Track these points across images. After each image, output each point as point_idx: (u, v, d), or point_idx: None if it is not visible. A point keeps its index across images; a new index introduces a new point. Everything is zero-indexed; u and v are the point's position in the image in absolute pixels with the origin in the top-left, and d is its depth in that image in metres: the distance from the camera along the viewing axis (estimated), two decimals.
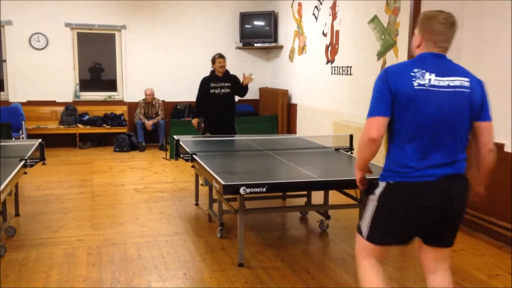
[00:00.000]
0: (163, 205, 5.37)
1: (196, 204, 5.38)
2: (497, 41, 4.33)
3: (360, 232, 2.46)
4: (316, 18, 7.80)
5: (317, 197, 5.00)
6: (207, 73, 6.17)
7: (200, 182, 5.34)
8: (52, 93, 9.17)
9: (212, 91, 6.09)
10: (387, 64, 5.81)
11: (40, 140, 5.00)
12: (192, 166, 4.81)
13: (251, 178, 3.62)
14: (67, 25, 9.15)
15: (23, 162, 4.10)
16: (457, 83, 2.23)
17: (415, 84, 2.18)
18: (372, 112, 2.24)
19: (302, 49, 8.46)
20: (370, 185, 2.46)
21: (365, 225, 2.42)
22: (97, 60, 9.90)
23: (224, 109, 6.18)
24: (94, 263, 3.73)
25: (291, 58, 9.05)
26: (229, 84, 6.14)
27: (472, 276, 3.57)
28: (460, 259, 3.91)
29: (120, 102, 9.68)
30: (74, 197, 5.68)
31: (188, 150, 4.63)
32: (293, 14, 8.83)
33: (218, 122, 6.17)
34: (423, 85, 2.18)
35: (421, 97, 2.18)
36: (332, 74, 7.29)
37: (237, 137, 5.83)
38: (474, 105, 2.26)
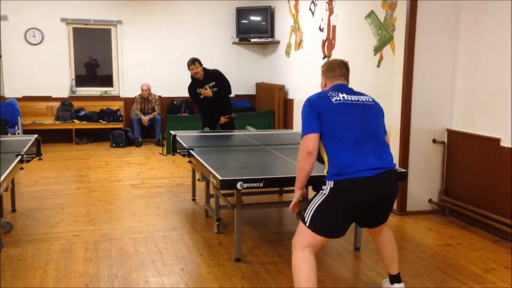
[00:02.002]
0: (160, 200, 5.37)
1: (193, 200, 5.39)
2: (494, 38, 4.33)
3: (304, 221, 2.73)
4: (313, 13, 7.79)
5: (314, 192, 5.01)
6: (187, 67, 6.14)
7: (197, 177, 5.35)
8: (48, 88, 9.15)
9: (201, 96, 6.07)
10: (384, 59, 5.82)
11: (36, 136, 4.98)
12: (189, 162, 4.82)
13: (248, 173, 3.62)
14: (62, 20, 9.12)
15: (19, 157, 4.09)
16: (364, 99, 2.82)
17: (333, 100, 2.74)
18: (305, 131, 2.69)
19: (299, 44, 8.45)
20: (319, 183, 2.77)
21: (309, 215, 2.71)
22: (93, 56, 9.86)
23: (219, 107, 6.14)
24: (91, 258, 3.73)
25: (287, 53, 9.04)
26: (214, 83, 6.08)
27: (468, 270, 3.59)
28: (456, 254, 3.93)
29: (116, 98, 9.66)
30: (71, 193, 5.67)
31: (184, 145, 4.62)
32: (289, 9, 8.82)
33: (216, 121, 6.15)
34: (339, 100, 2.74)
35: (341, 107, 2.71)
36: None
37: (234, 132, 5.82)
38: (380, 116, 2.85)
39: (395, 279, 3.07)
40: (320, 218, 2.66)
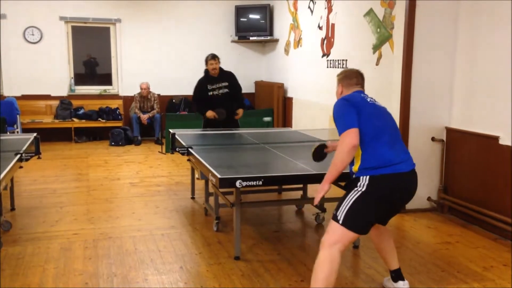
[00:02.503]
0: (159, 199, 5.38)
1: (192, 198, 5.39)
2: (493, 36, 4.33)
3: (337, 220, 2.74)
4: (312, 11, 7.79)
5: (313, 190, 5.00)
6: (203, 67, 6.06)
7: (196, 175, 5.35)
8: (46, 87, 9.13)
9: (210, 93, 5.82)
10: (383, 57, 5.82)
11: (35, 134, 4.98)
12: (188, 160, 4.82)
13: (247, 171, 3.62)
14: (61, 18, 9.10)
15: (18, 156, 4.09)
16: (382, 105, 2.94)
17: (368, 99, 2.86)
18: (348, 125, 2.71)
19: (298, 43, 8.45)
20: (352, 181, 2.80)
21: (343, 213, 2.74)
22: (91, 54, 9.85)
23: (226, 109, 5.88)
24: (91, 257, 3.73)
25: (286, 51, 9.04)
26: (227, 84, 5.89)
27: (467, 268, 3.59)
28: (455, 251, 3.93)
29: (115, 96, 9.65)
30: (70, 191, 5.67)
31: (184, 143, 4.62)
32: (288, 8, 8.81)
33: (221, 123, 5.88)
34: (371, 100, 2.88)
35: (375, 107, 2.85)
36: (327, 67, 7.29)
37: (233, 131, 5.82)
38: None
39: (398, 276, 3.09)
40: (356, 214, 2.69)
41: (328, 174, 2.78)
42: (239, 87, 6.05)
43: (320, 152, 3.47)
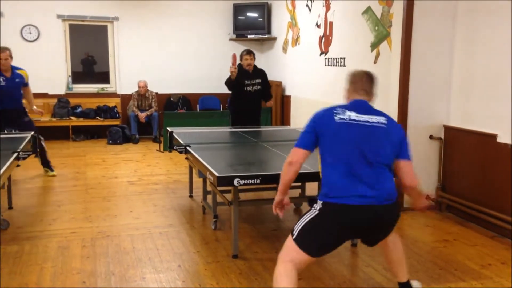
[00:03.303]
0: (157, 197, 5.37)
1: (190, 196, 5.38)
2: (491, 34, 4.33)
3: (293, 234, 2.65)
4: (310, 9, 7.78)
5: (311, 188, 5.01)
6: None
7: (194, 172, 5.34)
8: (44, 85, 9.10)
9: (246, 88, 5.93)
10: (381, 56, 5.81)
11: (32, 133, 4.97)
12: (186, 158, 4.81)
13: (245, 169, 3.62)
14: (59, 16, 9.08)
15: (15, 154, 4.08)
16: (375, 120, 2.64)
17: (336, 118, 2.62)
18: (297, 143, 2.69)
19: (296, 41, 8.44)
20: (312, 199, 2.77)
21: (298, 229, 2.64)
22: (89, 52, 9.83)
23: (255, 105, 6.08)
24: (88, 255, 3.73)
25: (284, 49, 9.03)
26: (260, 81, 6.01)
27: (464, 266, 3.60)
28: (452, 249, 3.94)
29: (113, 94, 9.63)
30: (68, 190, 5.66)
31: (181, 142, 4.62)
32: (286, 6, 8.80)
33: (247, 117, 6.04)
34: (343, 119, 2.61)
35: (343, 128, 2.59)
36: (325, 65, 7.28)
37: (231, 129, 5.81)
38: (392, 140, 2.64)
39: (406, 287, 2.97)
40: (308, 234, 2.59)
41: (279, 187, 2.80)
42: (269, 85, 6.21)
43: None
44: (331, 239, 2.61)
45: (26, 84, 6.17)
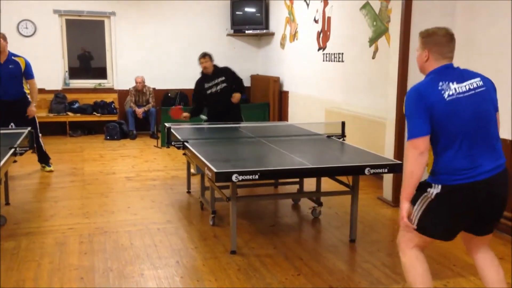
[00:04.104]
0: (155, 193, 5.36)
1: (188, 192, 5.37)
2: (490, 30, 4.32)
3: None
4: (308, 5, 7.75)
5: (309, 184, 5.01)
6: (197, 61, 6.04)
7: (192, 170, 5.32)
8: (41, 80, 8.92)
9: (208, 91, 5.83)
10: (379, 51, 5.80)
11: (29, 128, 4.95)
12: (184, 154, 4.80)
13: (243, 165, 3.61)
14: (55, 11, 9.03)
15: (12, 150, 4.06)
16: (476, 85, 2.45)
17: (446, 96, 2.38)
18: (414, 133, 2.39)
19: (294, 36, 8.42)
20: (422, 185, 2.52)
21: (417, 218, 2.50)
22: (86, 48, 9.79)
23: (227, 104, 5.87)
24: (86, 251, 3.71)
25: (282, 45, 9.01)
26: (223, 78, 5.86)
27: (463, 261, 3.60)
28: (451, 245, 3.93)
29: (110, 90, 9.60)
30: (65, 186, 5.64)
31: (179, 137, 4.60)
32: (284, 1, 8.77)
33: (221, 117, 5.85)
34: (452, 95, 2.39)
35: (454, 106, 2.38)
36: (323, 61, 7.27)
37: (229, 125, 5.80)
38: (492, 99, 2.52)
39: None
40: (429, 222, 2.46)
41: (403, 189, 2.52)
42: (239, 79, 6.04)
43: None
44: (456, 222, 2.47)
45: (29, 76, 5.90)
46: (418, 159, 2.40)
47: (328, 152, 4.37)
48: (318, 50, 7.41)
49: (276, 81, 8.99)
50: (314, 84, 7.58)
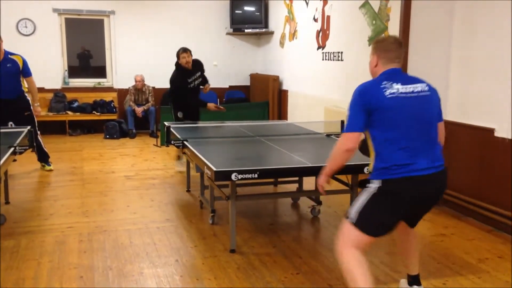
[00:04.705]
0: (154, 192, 5.36)
1: (188, 191, 5.37)
2: (489, 28, 4.32)
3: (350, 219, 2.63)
4: (307, 3, 7.75)
5: (309, 183, 5.01)
6: (176, 55, 6.04)
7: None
8: (40, 79, 8.94)
9: (190, 85, 5.98)
10: None
11: (29, 127, 4.95)
12: (183, 153, 4.80)
13: (243, 164, 3.61)
14: (54, 10, 9.02)
15: (12, 149, 4.06)
16: (420, 89, 2.60)
17: (387, 93, 2.51)
18: (349, 128, 2.55)
19: (293, 35, 8.42)
20: (364, 181, 2.69)
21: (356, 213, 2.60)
22: (86, 46, 9.78)
23: (196, 97, 6.15)
24: (86, 250, 3.72)
25: (282, 44, 9.01)
26: (199, 73, 6.08)
27: (461, 260, 3.60)
28: (450, 243, 3.94)
29: (110, 89, 9.59)
30: (65, 185, 5.65)
31: (179, 136, 4.61)
32: (283, 0, 8.77)
33: (193, 110, 6.09)
34: (393, 93, 2.52)
35: (394, 103, 2.50)
36: (323, 60, 7.26)
37: (228, 124, 5.80)
38: (436, 105, 2.67)
39: (415, 280, 2.98)
40: (368, 215, 2.55)
41: (326, 167, 2.73)
42: (205, 76, 6.22)
43: (365, 146, 3.30)
44: (394, 216, 2.59)
45: (26, 74, 5.86)
46: (344, 154, 2.58)
47: (328, 151, 4.34)
48: (318, 49, 7.41)
49: (276, 80, 8.99)
50: (313, 83, 7.58)
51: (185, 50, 5.91)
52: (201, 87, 6.19)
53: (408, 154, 2.50)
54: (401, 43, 2.69)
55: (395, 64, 2.64)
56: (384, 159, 2.53)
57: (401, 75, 2.64)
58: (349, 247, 2.58)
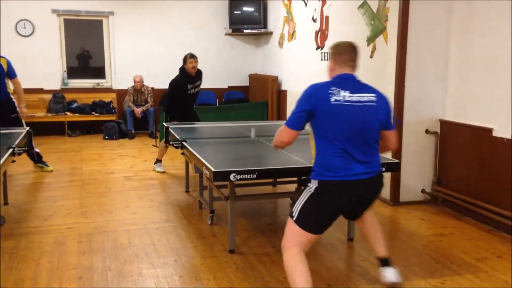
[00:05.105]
0: (153, 192, 5.36)
1: (187, 191, 5.38)
2: (487, 28, 4.33)
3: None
4: (306, 4, 7.76)
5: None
6: (183, 60, 6.05)
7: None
8: (39, 80, 9.06)
9: (189, 92, 6.00)
10: (377, 50, 5.81)
11: (28, 128, 4.95)
12: (182, 153, 4.80)
13: (241, 164, 3.62)
14: (53, 11, 9.03)
15: (10, 150, 4.06)
16: (366, 98, 2.69)
17: (332, 100, 2.64)
18: (289, 124, 2.75)
19: (292, 35, 8.42)
20: (305, 179, 2.86)
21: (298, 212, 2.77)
22: (85, 47, 9.78)
23: (193, 104, 6.23)
24: (85, 251, 3.72)
25: (280, 44, 9.01)
26: (199, 82, 6.13)
27: (460, 260, 3.61)
28: (448, 243, 3.95)
29: (109, 90, 9.60)
30: (64, 185, 5.65)
31: (178, 137, 4.61)
32: (282, 0, 8.77)
33: (188, 115, 6.11)
34: (338, 100, 2.64)
35: (338, 110, 2.63)
36: (322, 60, 7.27)
37: (227, 124, 5.81)
38: (381, 115, 2.74)
39: (385, 263, 3.12)
40: (308, 213, 2.71)
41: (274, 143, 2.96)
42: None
43: None
44: (330, 214, 2.74)
45: (12, 75, 5.72)
46: (279, 144, 2.88)
47: None
48: (316, 49, 7.42)
49: (275, 80, 8.99)
50: (312, 83, 7.57)
51: (192, 56, 5.93)
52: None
53: (346, 160, 2.65)
54: (355, 48, 2.81)
55: (349, 68, 2.76)
56: (323, 161, 2.69)
57: (352, 82, 2.73)
58: (292, 245, 2.72)
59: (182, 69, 6.00)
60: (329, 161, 2.66)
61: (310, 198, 2.71)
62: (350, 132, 2.64)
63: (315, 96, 2.68)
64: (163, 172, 6.26)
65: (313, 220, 2.71)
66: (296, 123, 2.73)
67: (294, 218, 2.73)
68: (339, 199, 2.69)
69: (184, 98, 5.98)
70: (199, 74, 6.11)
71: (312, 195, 2.71)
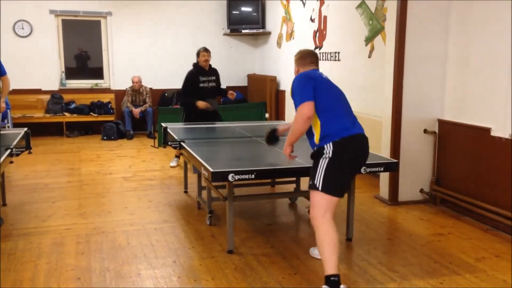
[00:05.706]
0: (152, 193, 5.36)
1: (185, 192, 5.37)
2: (485, 28, 4.33)
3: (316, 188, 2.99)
4: (304, 4, 7.76)
5: (306, 183, 5.00)
6: (195, 60, 6.08)
7: (189, 169, 5.31)
8: (37, 81, 9.06)
9: (201, 85, 5.98)
10: (375, 50, 5.81)
11: (26, 129, 4.94)
12: (181, 154, 4.79)
13: (240, 165, 3.61)
14: (51, 12, 9.02)
15: (8, 151, 4.05)
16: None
17: (323, 76, 3.19)
18: (305, 98, 3.00)
19: (290, 35, 8.42)
20: (318, 151, 3.07)
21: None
22: (83, 48, 9.78)
23: (210, 98, 6.10)
24: (83, 251, 3.71)
25: (279, 44, 9.02)
26: (214, 78, 6.13)
27: (459, 259, 3.61)
28: (447, 243, 3.95)
29: (107, 90, 9.59)
30: (62, 186, 5.64)
31: (176, 137, 4.60)
32: (280, 0, 8.77)
33: (205, 114, 6.00)
34: (325, 77, 3.20)
35: (330, 83, 3.19)
36: (320, 60, 7.26)
37: (226, 124, 5.80)
38: None
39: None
40: (331, 179, 2.95)
41: (289, 138, 3.19)
42: (220, 84, 6.31)
43: (273, 136, 3.81)
44: (350, 174, 3.16)
45: (2, 73, 5.63)
46: (306, 121, 3.00)
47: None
48: (315, 49, 7.42)
49: (273, 80, 8.99)
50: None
51: (206, 49, 6.05)
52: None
53: (348, 119, 3.08)
54: (316, 54, 3.42)
55: (313, 66, 3.30)
56: (330, 128, 3.00)
57: (319, 72, 3.26)
58: (324, 214, 2.93)
59: (195, 64, 6.10)
60: (337, 124, 3.01)
61: (329, 165, 2.96)
62: (341, 100, 3.15)
63: (312, 75, 3.13)
64: (175, 166, 6.48)
65: (339, 184, 3.00)
66: (309, 94, 2.99)
67: (320, 188, 2.94)
68: (354, 154, 3.04)
69: (196, 90, 5.97)
70: (214, 70, 6.16)
71: (330, 161, 2.96)
